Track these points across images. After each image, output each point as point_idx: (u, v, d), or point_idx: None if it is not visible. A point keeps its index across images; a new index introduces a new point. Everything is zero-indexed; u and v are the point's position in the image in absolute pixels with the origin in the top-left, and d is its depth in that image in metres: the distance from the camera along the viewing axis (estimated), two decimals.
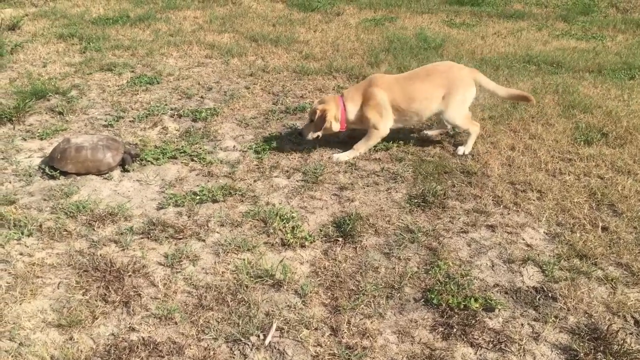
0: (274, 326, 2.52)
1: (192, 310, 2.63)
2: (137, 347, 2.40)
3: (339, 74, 6.01)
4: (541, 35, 7.91)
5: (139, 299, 2.70)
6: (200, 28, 8.03)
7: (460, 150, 4.25)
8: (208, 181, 3.86)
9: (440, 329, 2.54)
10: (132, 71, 6.17)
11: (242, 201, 3.60)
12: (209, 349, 2.41)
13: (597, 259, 2.99)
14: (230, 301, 2.69)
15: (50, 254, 3.04)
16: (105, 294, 2.72)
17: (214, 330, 2.51)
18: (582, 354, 2.37)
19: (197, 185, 3.78)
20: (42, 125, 4.75)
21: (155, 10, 9.00)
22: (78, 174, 3.87)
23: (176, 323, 2.56)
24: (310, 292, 2.74)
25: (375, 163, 4.13)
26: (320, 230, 3.28)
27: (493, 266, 2.98)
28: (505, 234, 3.25)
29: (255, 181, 3.86)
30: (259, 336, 2.48)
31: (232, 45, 7.11)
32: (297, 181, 3.87)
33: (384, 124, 4.18)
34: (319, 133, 4.22)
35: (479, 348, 2.43)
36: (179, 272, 2.91)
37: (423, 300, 2.72)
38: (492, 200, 3.60)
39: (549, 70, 6.24)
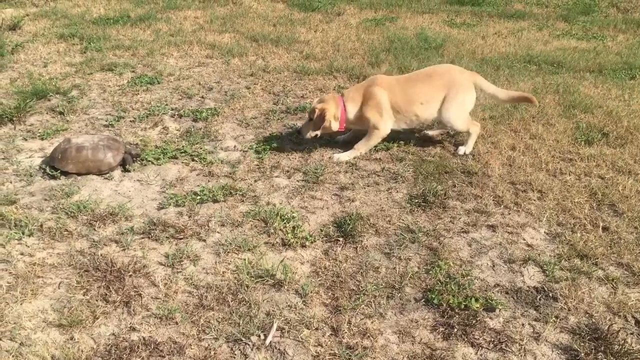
0: (275, 326, 2.52)
1: (193, 310, 2.64)
2: (138, 347, 2.40)
3: (339, 74, 6.01)
4: (542, 35, 7.91)
5: (140, 298, 2.71)
6: (200, 28, 8.04)
7: (461, 150, 4.25)
8: (209, 181, 3.86)
9: (441, 329, 2.54)
10: (133, 71, 6.18)
11: (243, 201, 3.60)
12: (210, 349, 2.41)
13: (597, 259, 2.99)
14: (231, 301, 2.69)
15: (51, 253, 3.04)
16: (106, 294, 2.72)
17: (214, 330, 2.51)
18: (582, 354, 2.37)
19: (198, 185, 3.78)
20: (43, 125, 4.75)
21: (155, 10, 9.01)
22: (79, 174, 3.87)
23: (177, 323, 2.56)
24: (311, 292, 2.74)
25: (375, 163, 4.13)
26: (321, 230, 3.28)
27: (494, 266, 2.98)
28: (506, 234, 3.25)
29: (255, 181, 3.86)
30: (259, 336, 2.49)
31: (233, 45, 7.12)
32: (298, 181, 3.87)
33: (384, 123, 4.18)
34: (318, 132, 4.22)
35: (480, 348, 2.43)
36: (180, 272, 2.91)
37: (424, 300, 2.72)
38: (493, 200, 3.60)
39: (550, 70, 6.24)
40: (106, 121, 4.84)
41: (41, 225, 3.26)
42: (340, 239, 3.19)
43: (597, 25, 8.47)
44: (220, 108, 5.11)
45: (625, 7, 9.70)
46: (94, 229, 3.26)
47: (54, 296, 2.72)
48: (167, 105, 5.20)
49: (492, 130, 4.58)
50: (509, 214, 3.45)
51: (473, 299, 2.65)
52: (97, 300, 2.68)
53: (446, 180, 3.84)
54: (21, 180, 3.84)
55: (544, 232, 3.27)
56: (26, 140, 4.47)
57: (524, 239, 3.20)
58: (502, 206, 3.52)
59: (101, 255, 3.01)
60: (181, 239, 3.19)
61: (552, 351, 2.42)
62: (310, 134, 4.23)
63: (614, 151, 4.21)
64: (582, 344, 2.43)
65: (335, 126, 4.22)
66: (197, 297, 2.72)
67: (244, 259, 2.98)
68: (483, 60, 6.46)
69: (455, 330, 2.51)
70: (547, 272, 2.90)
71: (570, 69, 6.22)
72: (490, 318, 2.60)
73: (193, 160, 4.16)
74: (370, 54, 6.64)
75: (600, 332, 2.48)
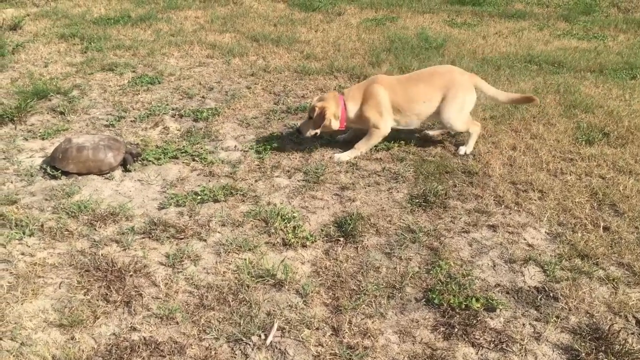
0: (275, 326, 2.52)
1: (194, 310, 2.64)
2: (139, 346, 2.40)
3: (340, 74, 6.01)
4: (542, 35, 7.90)
5: (141, 298, 2.71)
6: (201, 28, 8.04)
7: (462, 150, 4.25)
8: (209, 181, 3.86)
9: (442, 328, 2.53)
10: (134, 71, 6.18)
11: (244, 201, 3.60)
12: (210, 349, 2.41)
13: (598, 259, 2.99)
14: (232, 301, 2.69)
15: (52, 253, 3.04)
16: (107, 294, 2.72)
17: (215, 330, 2.51)
18: (583, 354, 2.37)
19: (199, 185, 3.78)
20: (44, 125, 4.76)
21: (156, 10, 9.01)
22: (79, 174, 3.87)
23: (177, 323, 2.56)
24: (312, 292, 2.74)
25: (376, 163, 4.13)
26: (322, 230, 3.28)
27: (494, 266, 2.97)
28: (507, 233, 3.25)
29: (256, 181, 3.86)
30: (260, 336, 2.49)
31: (234, 45, 7.12)
32: (299, 181, 3.87)
33: (385, 123, 4.18)
34: (318, 131, 4.22)
35: (481, 348, 2.43)
36: (180, 272, 2.91)
37: (424, 300, 2.72)
38: (494, 200, 3.59)
39: (551, 70, 6.24)
40: (107, 121, 4.85)
41: (42, 225, 3.26)
42: (341, 238, 3.19)
43: (598, 25, 8.47)
44: (220, 108, 5.12)
45: (626, 7, 9.69)
46: (95, 229, 3.26)
47: (55, 296, 2.72)
48: (167, 105, 5.21)
49: (493, 130, 4.57)
50: (510, 213, 3.45)
51: (474, 299, 2.65)
52: (97, 300, 2.68)
53: (447, 180, 3.84)
54: (22, 180, 3.84)
55: (545, 232, 3.27)
56: (27, 140, 4.47)
57: (525, 239, 3.20)
58: (502, 206, 3.52)
59: (102, 255, 3.01)
60: (182, 238, 3.19)
61: (553, 351, 2.42)
62: (310, 132, 4.23)
63: (615, 151, 4.20)
64: (583, 344, 2.43)
65: (335, 125, 4.22)
66: (197, 297, 2.73)
67: (245, 259, 2.98)
68: (484, 60, 6.46)
69: (456, 330, 2.51)
70: (547, 272, 2.90)
71: (571, 69, 6.22)
72: (491, 318, 2.60)
73: (194, 160, 4.17)
74: (371, 54, 6.64)
75: (601, 332, 2.48)
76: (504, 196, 3.61)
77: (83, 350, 2.38)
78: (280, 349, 2.42)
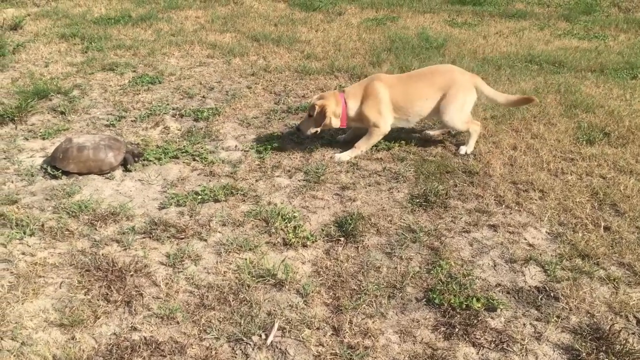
0: (276, 326, 2.52)
1: (194, 309, 2.64)
2: (139, 346, 2.40)
3: (340, 74, 6.01)
4: (543, 34, 7.90)
5: (141, 298, 2.71)
6: (201, 28, 8.04)
7: (462, 149, 4.24)
8: (210, 181, 3.86)
9: (442, 328, 2.53)
10: (134, 71, 6.18)
11: (244, 201, 3.60)
12: (211, 349, 2.41)
13: (599, 258, 2.99)
14: (232, 301, 2.69)
15: (53, 253, 3.04)
16: (107, 294, 2.72)
17: (215, 330, 2.51)
18: (584, 354, 2.37)
19: (199, 185, 3.78)
20: (44, 125, 4.76)
21: (156, 10, 9.01)
22: (80, 174, 3.87)
23: (178, 322, 2.56)
24: (312, 292, 2.74)
25: (377, 163, 4.13)
26: (322, 230, 3.28)
27: (495, 266, 2.97)
28: (507, 233, 3.25)
29: (257, 181, 3.86)
30: (260, 336, 2.49)
31: (234, 45, 7.12)
32: (299, 181, 3.87)
33: (385, 121, 4.17)
34: (318, 129, 4.22)
35: (481, 348, 2.43)
36: (181, 271, 2.91)
37: (425, 300, 2.72)
38: (494, 199, 3.59)
39: (551, 69, 6.23)
40: (107, 121, 4.85)
41: (42, 225, 3.26)
42: (342, 238, 3.19)
43: (599, 24, 8.46)
44: (221, 108, 5.12)
45: (626, 7, 9.68)
46: (95, 229, 3.27)
47: (56, 296, 2.72)
48: (168, 105, 5.21)
49: (494, 129, 4.57)
50: (511, 213, 3.45)
51: (474, 299, 2.65)
52: (98, 300, 2.68)
53: (447, 180, 3.84)
54: (22, 180, 3.84)
55: (546, 231, 3.26)
56: (27, 140, 4.47)
57: (526, 239, 3.19)
58: (503, 206, 3.52)
59: (102, 255, 3.01)
60: (182, 238, 3.19)
61: (554, 351, 2.42)
62: (310, 131, 4.23)
63: (616, 151, 4.20)
64: (584, 343, 2.42)
65: (335, 123, 4.21)
66: (198, 296, 2.73)
67: (245, 259, 2.98)
68: (484, 60, 6.45)
69: (457, 330, 2.51)
70: (548, 271, 2.89)
71: (571, 69, 6.22)
72: (492, 318, 2.60)
73: (194, 160, 4.17)
74: (372, 54, 6.64)
75: (601, 332, 2.48)
76: (505, 196, 3.61)
77: (84, 350, 2.38)
78: (280, 349, 2.42)
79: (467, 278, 2.84)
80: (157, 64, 6.36)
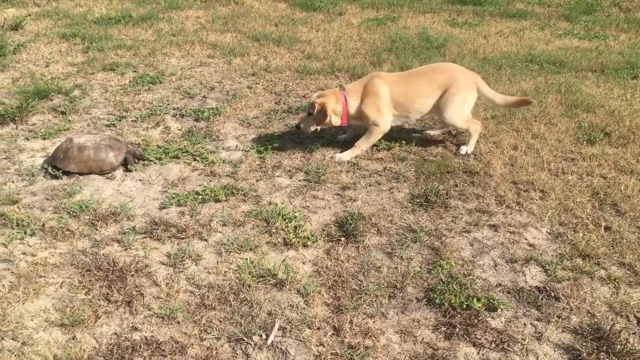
0: (277, 326, 2.52)
1: (195, 309, 2.64)
2: (140, 346, 2.41)
3: (341, 74, 6.01)
4: (544, 34, 7.89)
5: (142, 298, 2.71)
6: (202, 28, 8.04)
7: (463, 149, 4.24)
8: (210, 181, 3.86)
9: (443, 328, 2.53)
10: (135, 71, 6.18)
11: (245, 201, 3.60)
12: (212, 349, 2.41)
13: (599, 258, 2.99)
14: (233, 301, 2.69)
15: (53, 253, 3.04)
16: (108, 294, 2.72)
17: (216, 330, 2.51)
18: (584, 354, 2.36)
19: (200, 185, 3.78)
20: (45, 125, 4.76)
21: (157, 10, 9.01)
22: (81, 174, 3.87)
23: (179, 322, 2.56)
24: (313, 292, 2.74)
25: (377, 163, 4.13)
26: (323, 230, 3.28)
27: (495, 266, 2.97)
28: (508, 233, 3.25)
29: (257, 181, 3.86)
30: (261, 336, 2.49)
31: (235, 44, 7.12)
32: (300, 181, 3.87)
33: (384, 119, 4.17)
34: (318, 127, 4.22)
35: (482, 348, 2.43)
36: (182, 271, 2.91)
37: (425, 300, 2.72)
38: (495, 199, 3.59)
39: (552, 69, 6.23)
40: (108, 121, 4.85)
41: (43, 225, 3.27)
42: (342, 238, 3.19)
43: (599, 24, 8.46)
44: (222, 108, 5.12)
45: (627, 7, 9.68)
46: (96, 229, 3.27)
47: (56, 296, 2.72)
48: (168, 105, 5.21)
49: (494, 129, 4.57)
50: (511, 213, 3.44)
51: (475, 299, 2.65)
52: (99, 300, 2.69)
53: (448, 180, 3.84)
54: (23, 180, 3.84)
55: (546, 231, 3.26)
56: (28, 140, 4.47)
57: (526, 239, 3.19)
58: (504, 206, 3.52)
59: (103, 254, 3.02)
60: (183, 238, 3.19)
61: (554, 351, 2.42)
62: (311, 129, 4.23)
63: (616, 151, 4.20)
64: (584, 343, 2.42)
65: (336, 121, 4.21)
66: (198, 296, 2.73)
67: (246, 259, 2.98)
68: (485, 60, 6.45)
69: (457, 330, 2.51)
70: (549, 271, 2.89)
71: (572, 69, 6.21)
72: (492, 318, 2.60)
73: (195, 160, 4.17)
74: (372, 54, 6.64)
75: (602, 332, 2.48)
76: (505, 196, 3.61)
77: (84, 350, 2.38)
78: (281, 349, 2.42)
79: (467, 278, 2.84)
80: (158, 64, 6.37)
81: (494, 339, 2.47)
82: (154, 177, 3.93)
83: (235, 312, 2.61)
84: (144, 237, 3.21)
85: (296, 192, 3.71)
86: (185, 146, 4.32)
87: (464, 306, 2.63)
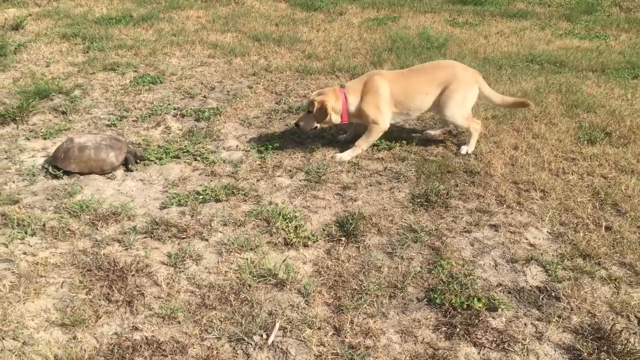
0: (277, 325, 2.52)
1: (195, 309, 2.64)
2: (141, 346, 2.41)
3: (341, 74, 6.01)
4: (544, 34, 7.89)
5: (142, 298, 2.71)
6: (203, 28, 8.04)
7: (464, 149, 4.24)
8: (211, 181, 3.86)
9: (444, 328, 2.53)
10: (135, 71, 6.18)
11: (245, 201, 3.60)
12: (212, 349, 2.42)
13: (600, 258, 2.98)
14: (233, 300, 2.69)
15: (54, 253, 3.04)
16: (109, 294, 2.72)
17: (217, 330, 2.51)
18: (585, 354, 2.36)
19: (200, 185, 3.78)
20: (46, 124, 4.76)
21: (158, 10, 9.01)
22: (81, 174, 3.88)
23: (179, 322, 2.56)
24: (313, 292, 2.74)
25: (378, 162, 4.13)
26: (323, 230, 3.28)
27: (496, 266, 2.97)
28: (509, 233, 3.25)
29: (258, 181, 3.86)
30: (262, 335, 2.49)
31: (235, 44, 7.12)
32: (300, 181, 3.87)
33: (383, 118, 4.16)
34: (317, 125, 4.22)
35: (482, 348, 2.43)
36: (182, 271, 2.91)
37: (426, 299, 2.72)
38: (495, 199, 3.59)
39: (552, 69, 6.23)
40: (109, 121, 4.85)
41: (44, 225, 3.27)
42: (343, 238, 3.19)
43: (600, 24, 8.45)
44: (222, 108, 5.12)
45: (628, 7, 9.67)
46: (97, 229, 3.27)
47: (57, 295, 2.73)
48: (169, 104, 5.21)
49: (495, 129, 4.57)
50: (512, 213, 3.44)
51: (475, 299, 2.65)
52: (99, 300, 2.69)
53: (448, 180, 3.84)
54: (24, 179, 3.85)
55: (547, 231, 3.26)
56: (29, 139, 4.48)
57: (527, 239, 3.19)
58: (504, 206, 3.52)
59: (104, 254, 3.02)
60: (184, 238, 3.19)
61: (555, 351, 2.42)
62: (310, 127, 4.23)
63: (617, 150, 4.20)
64: (585, 343, 2.42)
65: (335, 119, 4.20)
66: (199, 296, 2.73)
67: (247, 259, 2.98)
68: (485, 60, 6.45)
69: (458, 330, 2.51)
70: (549, 271, 2.89)
71: (572, 69, 6.21)
72: (493, 318, 2.60)
73: (195, 159, 4.17)
74: (373, 54, 6.64)
75: (603, 332, 2.48)
76: (506, 196, 3.61)
77: (85, 350, 2.39)
78: (282, 349, 2.42)
79: (468, 278, 2.84)
80: (159, 64, 6.37)
81: (495, 339, 2.47)
82: (154, 177, 3.93)
83: (236, 312, 2.61)
84: (145, 237, 3.21)
85: (297, 192, 3.71)
86: (185, 146, 4.33)
87: (465, 306, 2.63)
